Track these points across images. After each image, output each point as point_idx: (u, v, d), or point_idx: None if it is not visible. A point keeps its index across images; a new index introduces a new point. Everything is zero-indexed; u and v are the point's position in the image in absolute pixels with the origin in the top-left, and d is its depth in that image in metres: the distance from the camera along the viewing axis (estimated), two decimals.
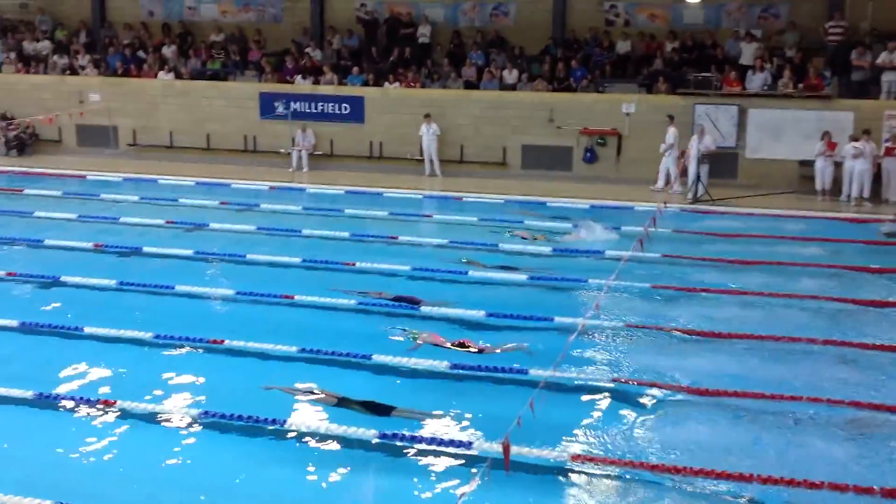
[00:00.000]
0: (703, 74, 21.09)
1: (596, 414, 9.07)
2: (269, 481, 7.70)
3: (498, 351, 10.47)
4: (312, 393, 9.29)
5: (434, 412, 8.87)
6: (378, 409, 8.87)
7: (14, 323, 11.04)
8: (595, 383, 9.66)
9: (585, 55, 23.11)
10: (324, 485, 7.66)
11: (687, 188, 19.71)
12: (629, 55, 23.16)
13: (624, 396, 9.41)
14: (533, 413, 7.01)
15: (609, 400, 9.35)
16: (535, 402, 7.15)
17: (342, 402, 9.11)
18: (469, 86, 23.04)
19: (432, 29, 24.60)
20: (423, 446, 8.22)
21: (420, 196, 19.99)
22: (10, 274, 13.13)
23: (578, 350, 10.32)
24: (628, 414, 9.04)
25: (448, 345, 10.60)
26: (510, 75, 22.90)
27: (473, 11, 24.92)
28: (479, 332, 11.12)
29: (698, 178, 19.34)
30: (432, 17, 24.83)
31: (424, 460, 8.05)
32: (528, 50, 23.74)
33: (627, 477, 7.76)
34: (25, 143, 24.12)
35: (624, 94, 21.65)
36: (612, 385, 9.59)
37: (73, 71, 25.13)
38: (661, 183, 20.60)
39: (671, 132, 20.43)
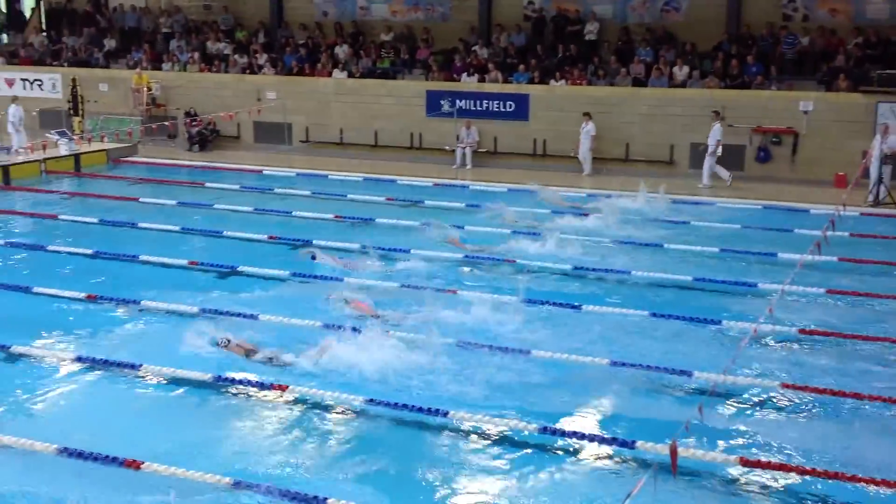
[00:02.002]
0: (887, 71, 19.94)
1: (766, 419, 8.76)
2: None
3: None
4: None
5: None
6: None
7: (194, 309, 11.61)
8: (764, 388, 9.33)
9: (761, 51, 22.27)
10: (481, 481, 7.68)
11: (868, 190, 18.68)
12: (808, 51, 22.17)
13: (793, 402, 9.05)
14: (702, 417, 6.81)
15: (778, 405, 9.03)
16: (704, 406, 6.95)
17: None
18: (637, 83, 22.62)
19: (600, 26, 24.29)
20: (584, 443, 8.15)
21: (583, 194, 19.77)
22: (192, 263, 13.81)
23: (749, 354, 9.95)
24: (798, 419, 8.68)
25: (371, 313, 11.10)
26: (680, 72, 22.33)
27: (643, 7, 24.43)
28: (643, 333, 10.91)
29: (880, 179, 18.30)
30: (600, 14, 24.52)
31: (585, 457, 7.99)
32: (700, 46, 23.08)
33: (798, 483, 7.45)
34: (207, 139, 25.34)
35: (802, 91, 20.77)
36: (781, 390, 9.24)
37: (252, 70, 26.22)
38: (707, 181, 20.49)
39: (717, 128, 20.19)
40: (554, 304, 11.88)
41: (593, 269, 13.56)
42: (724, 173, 20.53)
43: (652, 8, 24.34)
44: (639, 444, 7.98)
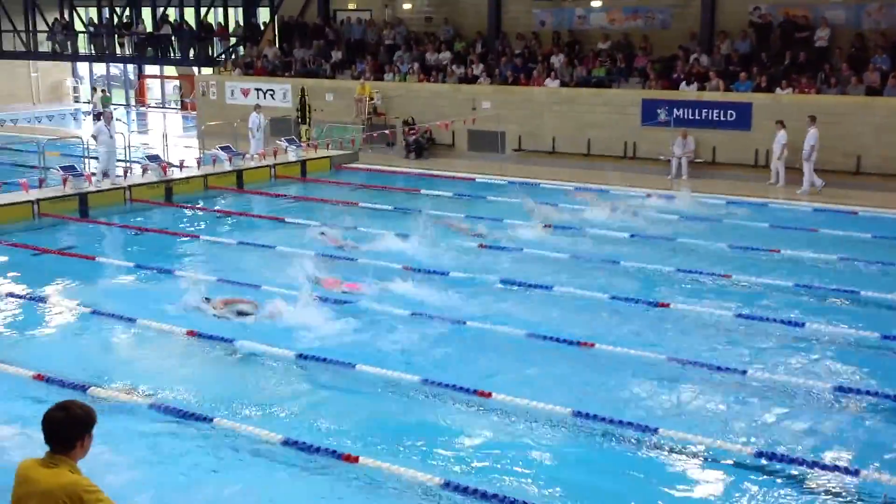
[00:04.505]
0: None
1: None
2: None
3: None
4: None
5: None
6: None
7: (406, 313, 11.92)
8: None
9: None
10: None
11: None
12: None
13: None
14: None
15: None
16: None
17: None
18: (871, 92, 21.23)
19: (831, 32, 22.99)
20: (802, 469, 7.74)
21: (809, 209, 18.79)
22: (406, 268, 14.17)
23: None
24: None
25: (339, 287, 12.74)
26: None
27: (879, 13, 22.89)
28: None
29: None
30: (832, 20, 23.19)
31: (800, 481, 7.60)
32: None
33: None
34: (423, 147, 26.03)
35: None
36: None
37: (468, 80, 26.71)
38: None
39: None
40: None
41: None
42: (817, 181, 20.21)
43: (889, 14, 22.75)
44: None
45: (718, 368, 9.96)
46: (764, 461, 7.94)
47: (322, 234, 16.00)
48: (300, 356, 10.32)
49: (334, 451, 8.00)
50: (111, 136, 20.60)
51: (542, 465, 8.07)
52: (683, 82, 23.34)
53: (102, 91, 38.28)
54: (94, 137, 20.86)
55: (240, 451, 8.21)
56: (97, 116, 31.39)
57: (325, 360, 10.18)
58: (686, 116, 22.58)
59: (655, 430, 8.43)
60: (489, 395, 9.21)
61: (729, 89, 22.72)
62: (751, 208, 18.89)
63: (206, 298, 12.10)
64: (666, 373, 9.96)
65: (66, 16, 39.61)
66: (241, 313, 11.86)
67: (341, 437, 8.46)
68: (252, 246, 15.64)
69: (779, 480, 7.72)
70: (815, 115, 20.43)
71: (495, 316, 11.81)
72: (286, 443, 8.18)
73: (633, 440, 8.39)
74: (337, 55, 29.76)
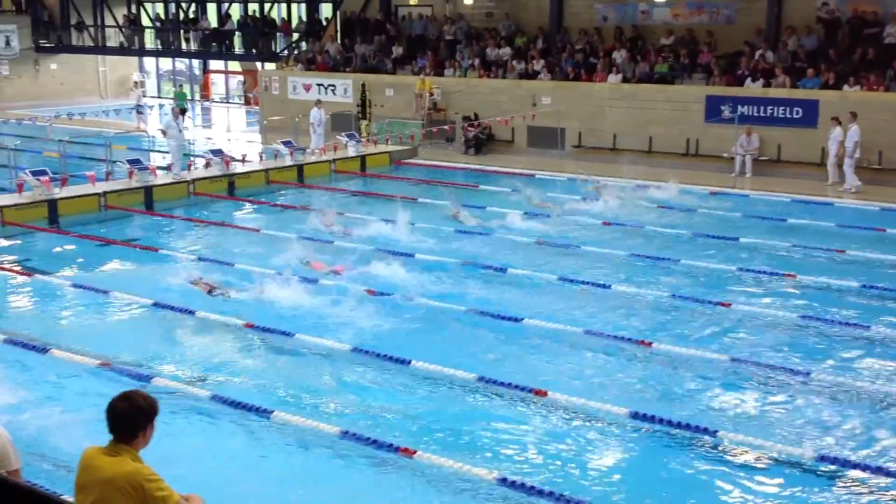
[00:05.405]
0: None
1: None
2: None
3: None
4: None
5: None
6: None
7: (462, 308, 11.93)
8: None
9: None
10: None
11: None
12: None
13: None
14: None
15: None
16: None
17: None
18: None
19: None
20: (865, 474, 7.58)
21: (877, 208, 18.35)
22: (466, 263, 14.18)
23: None
24: None
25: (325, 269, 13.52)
26: None
27: None
28: None
29: None
30: None
31: (862, 486, 7.45)
32: None
33: None
34: (482, 143, 26.00)
35: None
36: None
37: (529, 75, 26.60)
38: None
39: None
40: None
41: None
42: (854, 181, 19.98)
43: None
44: None
45: (781, 369, 9.79)
46: (826, 465, 7.78)
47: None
48: (355, 350, 10.39)
49: (391, 445, 8.04)
50: (180, 131, 20.97)
51: (597, 465, 8.01)
52: (748, 79, 22.95)
53: (179, 86, 39.05)
54: (163, 132, 21.23)
55: (298, 443, 8.29)
56: (138, 112, 32.03)
57: (381, 355, 10.22)
58: (751, 113, 22.21)
59: (714, 433, 8.32)
60: (545, 393, 9.17)
61: (795, 86, 22.28)
62: (816, 207, 18.54)
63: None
64: (727, 373, 9.83)
65: (134, 11, 40.39)
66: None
67: (398, 430, 8.50)
68: (310, 241, 15.77)
69: (841, 485, 7.57)
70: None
71: (553, 313, 11.76)
72: (344, 435, 8.24)
73: (691, 442, 8.29)
74: (398, 51, 29.86)
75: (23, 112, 31.87)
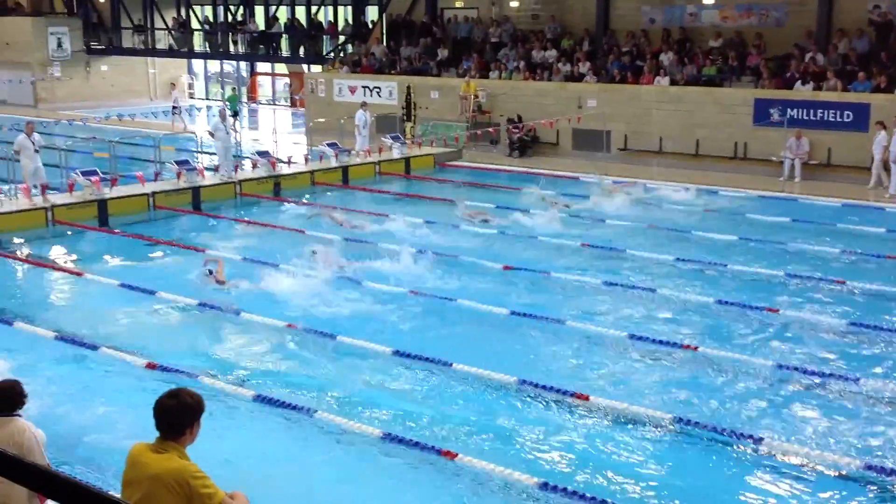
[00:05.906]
0: None
1: None
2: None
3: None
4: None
5: None
6: None
7: (505, 311, 11.91)
8: None
9: None
10: None
11: None
12: None
13: None
14: None
15: None
16: None
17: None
18: None
19: None
20: None
21: None
22: (506, 268, 14.16)
23: None
24: None
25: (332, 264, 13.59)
26: None
27: None
28: None
29: None
30: None
31: None
32: None
33: None
34: (527, 146, 25.94)
35: None
36: None
37: (575, 78, 26.48)
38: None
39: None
40: None
41: None
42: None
43: None
44: None
45: (829, 376, 9.65)
46: (873, 475, 7.64)
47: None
48: (396, 353, 10.41)
49: (433, 447, 8.05)
50: (227, 133, 21.20)
51: (639, 471, 7.95)
52: (798, 81, 22.63)
53: (232, 90, 39.54)
54: (212, 134, 21.48)
55: (339, 444, 8.34)
56: (174, 112, 32.28)
57: (422, 357, 10.23)
58: (801, 117, 21.91)
59: (759, 440, 8.22)
60: (587, 397, 9.12)
61: (846, 89, 21.94)
62: (865, 212, 18.26)
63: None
64: (773, 379, 9.70)
65: (183, 14, 40.92)
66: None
67: (439, 433, 8.50)
68: (355, 242, 15.85)
69: (890, 497, 7.42)
70: None
71: (596, 316, 11.71)
72: (386, 437, 8.27)
73: (735, 448, 8.20)
74: (443, 53, 29.91)
75: (74, 113, 32.42)
